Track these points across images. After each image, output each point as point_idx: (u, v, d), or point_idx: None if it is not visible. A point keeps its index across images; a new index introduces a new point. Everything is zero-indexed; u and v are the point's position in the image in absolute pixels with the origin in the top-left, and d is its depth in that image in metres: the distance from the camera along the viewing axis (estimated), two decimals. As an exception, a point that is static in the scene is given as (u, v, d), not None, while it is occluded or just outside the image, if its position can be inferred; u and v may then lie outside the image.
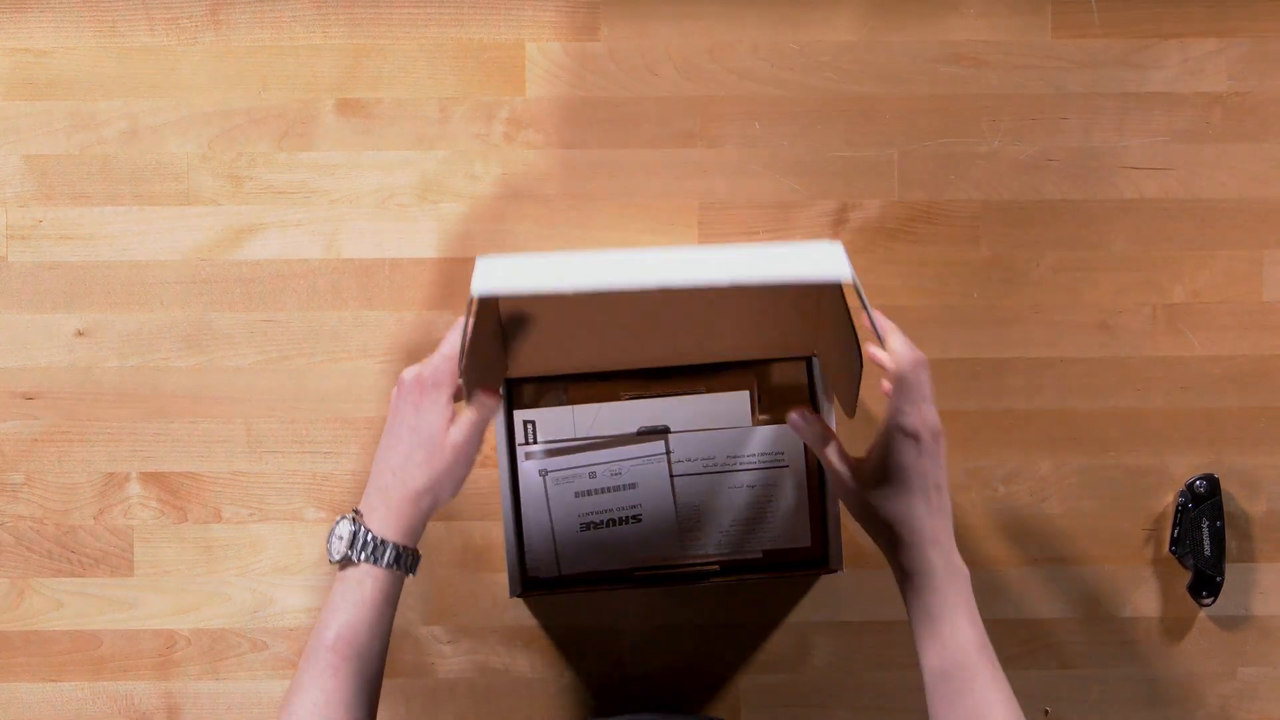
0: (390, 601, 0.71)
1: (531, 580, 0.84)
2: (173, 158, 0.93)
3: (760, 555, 0.84)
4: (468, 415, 0.73)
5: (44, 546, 0.93)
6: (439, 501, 0.73)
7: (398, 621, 0.92)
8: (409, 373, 0.73)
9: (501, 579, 0.92)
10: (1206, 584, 0.92)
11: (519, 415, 0.83)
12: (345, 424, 0.93)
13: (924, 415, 0.69)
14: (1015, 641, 0.94)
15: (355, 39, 0.93)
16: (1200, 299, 0.94)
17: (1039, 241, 0.94)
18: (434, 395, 0.72)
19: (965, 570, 0.70)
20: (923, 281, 0.93)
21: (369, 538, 0.70)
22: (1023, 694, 0.94)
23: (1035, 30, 0.93)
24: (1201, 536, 0.91)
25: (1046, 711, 0.94)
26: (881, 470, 0.70)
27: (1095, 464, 0.94)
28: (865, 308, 0.66)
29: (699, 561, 0.84)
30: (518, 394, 0.85)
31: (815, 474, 0.84)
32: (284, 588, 0.93)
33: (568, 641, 0.93)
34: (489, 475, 0.93)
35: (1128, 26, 0.93)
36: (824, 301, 0.78)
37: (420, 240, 0.93)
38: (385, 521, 0.71)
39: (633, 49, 0.93)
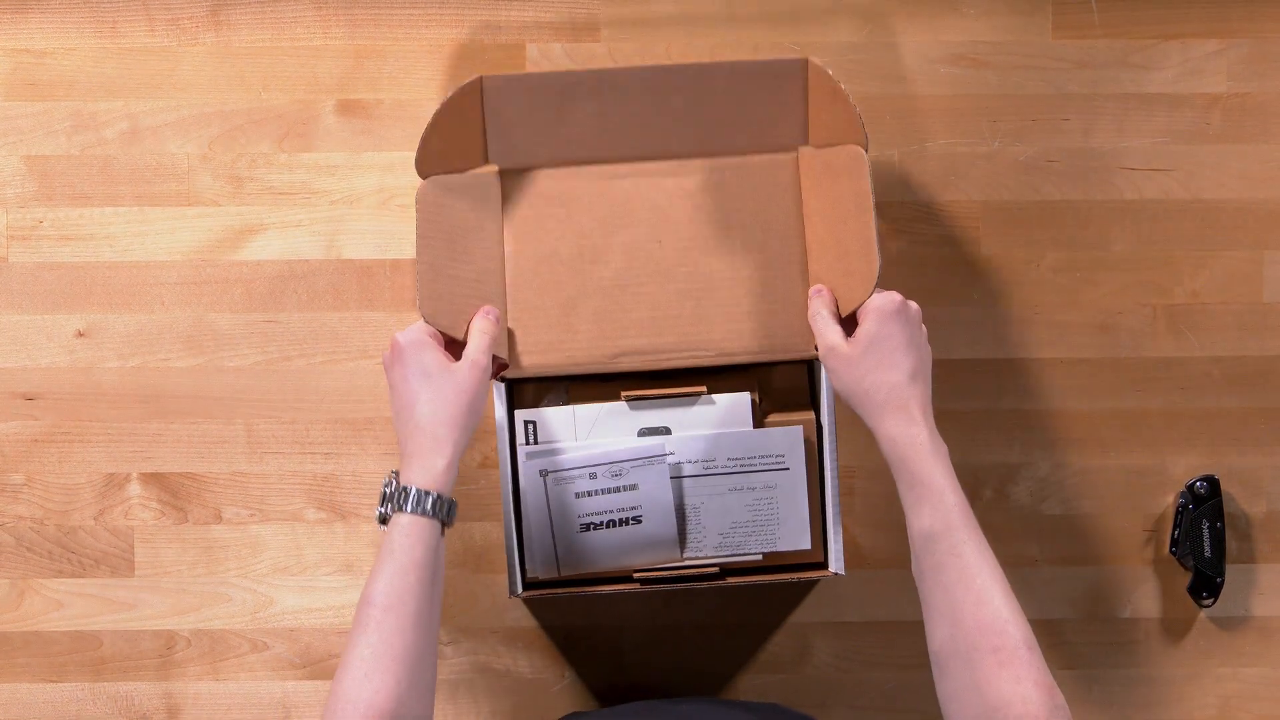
0: (426, 550, 0.70)
1: (531, 580, 0.84)
2: (173, 158, 0.93)
3: (760, 558, 0.84)
4: (473, 340, 0.76)
5: (45, 547, 0.93)
6: (470, 427, 0.74)
7: (398, 622, 0.93)
8: (401, 335, 0.75)
9: (501, 579, 0.92)
10: (1207, 585, 0.92)
11: (520, 415, 0.83)
12: (345, 425, 0.93)
13: (899, 297, 0.75)
14: (1015, 642, 0.94)
15: (356, 40, 0.93)
16: (1200, 300, 0.94)
17: (1039, 242, 0.94)
18: (422, 345, 0.74)
19: (945, 446, 0.72)
20: (923, 282, 0.93)
21: (395, 488, 0.71)
22: (1023, 694, 0.94)
23: (1035, 31, 0.93)
24: (1202, 537, 0.91)
25: (1046, 712, 0.94)
26: (869, 338, 0.74)
27: (1095, 465, 0.94)
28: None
29: (699, 563, 0.84)
30: (519, 394, 0.85)
31: (816, 477, 0.84)
32: (284, 588, 0.93)
33: (568, 642, 0.93)
34: (489, 475, 0.93)
35: (1128, 27, 0.93)
36: (808, 195, 0.82)
37: (421, 241, 0.93)
38: (410, 470, 0.71)
39: (633, 50, 0.93)
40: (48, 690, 0.93)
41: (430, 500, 0.70)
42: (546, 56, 0.93)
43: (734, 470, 0.83)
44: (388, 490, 0.71)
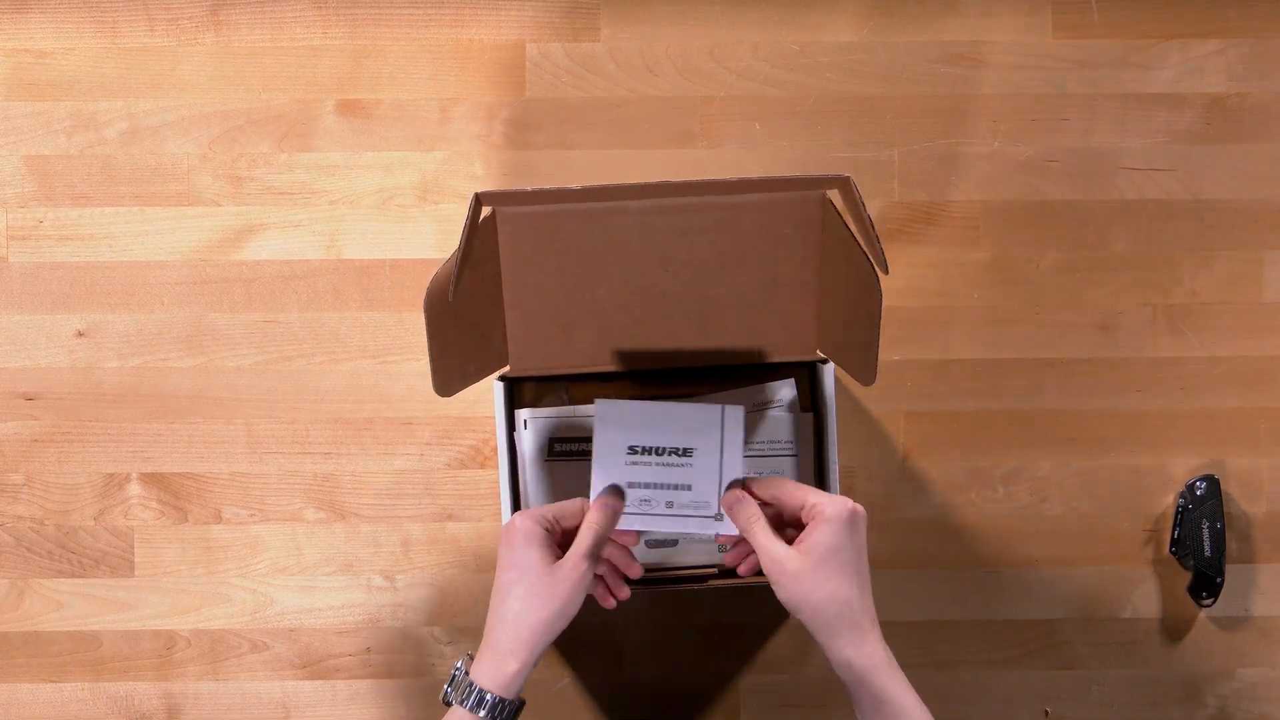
0: None
1: None
2: (173, 158, 0.93)
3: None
4: (581, 538, 0.73)
5: (44, 547, 0.93)
6: (556, 630, 0.71)
7: (397, 623, 0.93)
8: (519, 517, 0.73)
9: (502, 579, 0.92)
10: (1206, 585, 0.92)
11: (520, 414, 0.83)
12: (345, 425, 0.93)
13: (848, 501, 0.71)
14: (1015, 642, 0.94)
15: (355, 40, 0.93)
16: (1200, 299, 0.94)
17: (1039, 242, 0.94)
18: (532, 536, 0.72)
19: (893, 656, 0.70)
20: (923, 282, 0.93)
21: (464, 682, 0.70)
22: (1023, 694, 0.94)
23: (1035, 31, 0.93)
24: (1201, 538, 0.91)
25: (1047, 712, 0.94)
26: (821, 550, 0.70)
27: (1095, 465, 0.94)
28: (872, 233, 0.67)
29: (696, 564, 0.84)
30: (519, 393, 0.85)
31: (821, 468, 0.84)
32: (284, 589, 0.93)
33: (568, 642, 0.93)
34: (489, 476, 0.93)
35: (1128, 27, 0.93)
36: (828, 244, 0.78)
37: (421, 241, 0.93)
38: (483, 667, 0.70)
39: (633, 50, 0.93)
40: (48, 690, 0.93)
41: (490, 702, 0.69)
42: (546, 56, 0.93)
43: (744, 454, 0.83)
44: (456, 675, 0.71)
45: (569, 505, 0.74)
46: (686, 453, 0.76)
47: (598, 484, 0.76)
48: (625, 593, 0.77)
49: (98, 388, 0.93)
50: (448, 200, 0.93)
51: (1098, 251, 0.94)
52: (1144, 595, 0.94)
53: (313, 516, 0.93)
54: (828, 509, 0.70)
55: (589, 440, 0.83)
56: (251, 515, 0.93)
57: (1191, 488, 0.92)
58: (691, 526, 0.75)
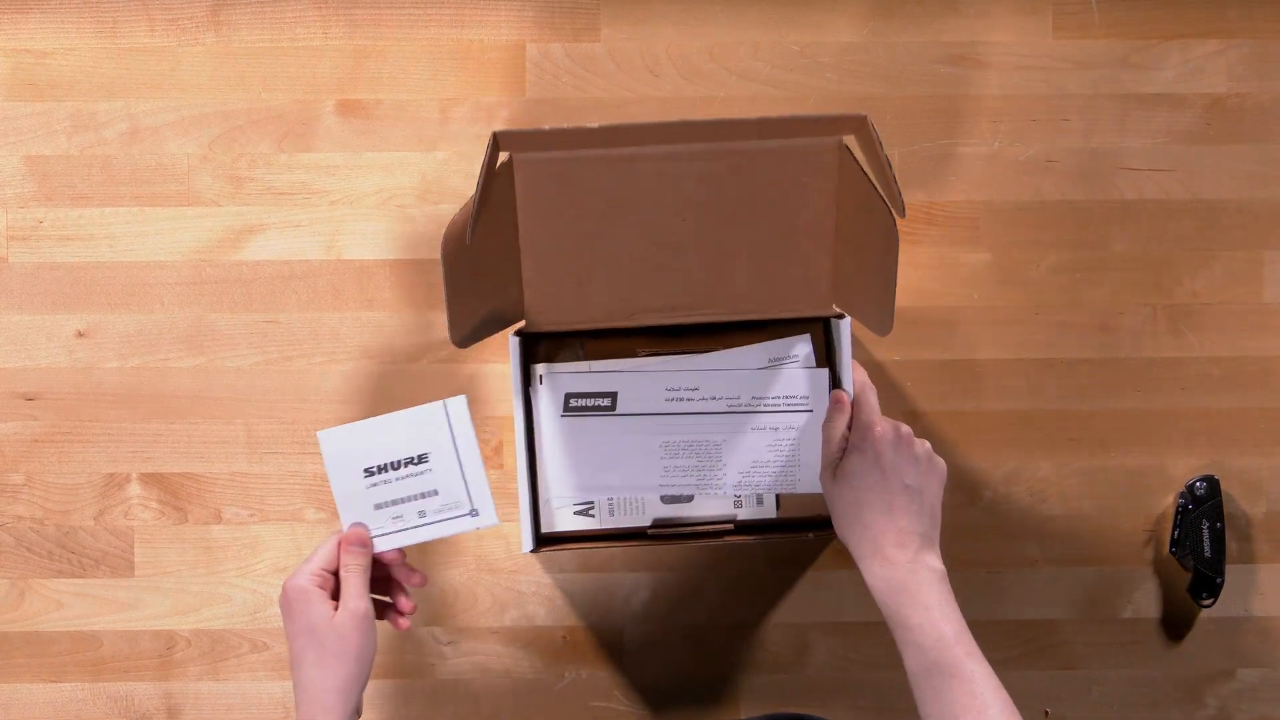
0: None
1: (545, 536, 0.83)
2: (173, 159, 0.93)
3: (774, 517, 0.83)
4: (346, 582, 0.72)
5: (45, 547, 0.93)
6: (361, 680, 0.71)
7: (398, 622, 0.93)
8: (290, 580, 0.72)
9: (502, 581, 0.92)
10: (1206, 585, 0.92)
11: (536, 370, 0.82)
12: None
13: (873, 427, 0.73)
14: (1015, 642, 0.94)
15: (356, 40, 0.93)
16: (1200, 300, 0.94)
17: (1039, 242, 0.94)
18: (306, 596, 0.71)
19: (938, 567, 0.71)
20: (923, 282, 0.93)
21: None
22: (1023, 694, 0.94)
23: (1036, 31, 0.93)
24: (1202, 538, 0.91)
25: (1047, 712, 0.94)
26: (845, 476, 0.73)
27: (1095, 465, 0.94)
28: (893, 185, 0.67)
29: (712, 519, 0.83)
30: (534, 349, 0.84)
31: None
32: (284, 588, 0.93)
33: (568, 642, 0.93)
34: (492, 476, 0.92)
35: (1128, 27, 0.93)
36: (844, 191, 0.77)
37: (421, 241, 0.93)
38: None
39: (633, 50, 0.93)
40: (48, 690, 0.93)
41: None
42: (546, 56, 0.93)
43: (757, 409, 0.82)
44: None
45: (328, 549, 0.73)
46: (422, 459, 0.76)
47: (346, 519, 0.76)
48: (409, 606, 0.77)
49: (98, 388, 0.93)
50: (448, 200, 0.93)
51: (1098, 251, 0.94)
52: (1144, 595, 0.94)
53: (313, 516, 0.93)
54: (852, 437, 0.73)
55: (606, 395, 0.82)
56: (251, 515, 0.93)
57: (1191, 488, 0.92)
58: (450, 529, 0.76)
